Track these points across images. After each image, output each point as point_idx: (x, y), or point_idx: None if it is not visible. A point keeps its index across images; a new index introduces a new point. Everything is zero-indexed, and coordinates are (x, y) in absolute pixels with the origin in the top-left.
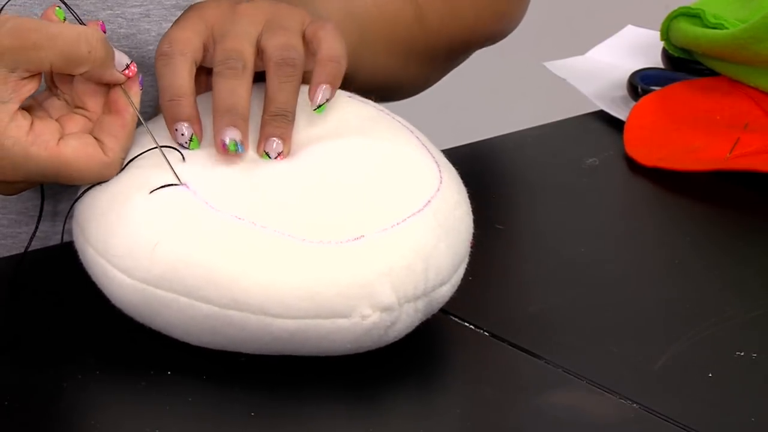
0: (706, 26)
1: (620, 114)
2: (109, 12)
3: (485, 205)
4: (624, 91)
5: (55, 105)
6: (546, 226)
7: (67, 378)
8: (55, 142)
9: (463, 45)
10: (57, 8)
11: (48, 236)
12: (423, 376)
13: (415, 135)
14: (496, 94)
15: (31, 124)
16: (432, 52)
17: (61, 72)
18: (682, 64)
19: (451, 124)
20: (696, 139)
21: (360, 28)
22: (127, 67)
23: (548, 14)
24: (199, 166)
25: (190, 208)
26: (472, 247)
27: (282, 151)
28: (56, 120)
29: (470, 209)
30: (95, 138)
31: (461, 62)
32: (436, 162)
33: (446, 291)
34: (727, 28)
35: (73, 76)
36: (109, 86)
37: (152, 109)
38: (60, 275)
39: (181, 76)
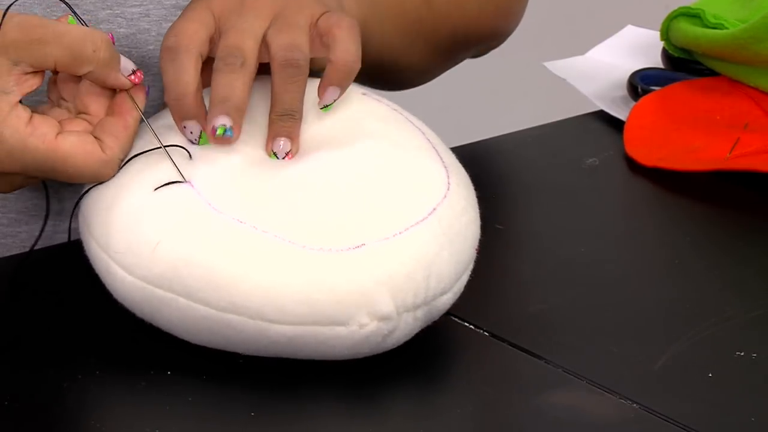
0: (706, 26)
1: (620, 114)
2: (108, 12)
3: (485, 205)
4: (624, 91)
5: (56, 113)
6: (546, 226)
7: (67, 378)
8: (54, 135)
9: (465, 37)
10: (69, 17)
11: (48, 235)
12: (423, 376)
13: (426, 137)
14: (496, 94)
15: (31, 117)
16: (436, 39)
17: (65, 71)
18: (682, 64)
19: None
20: (696, 139)
21: (373, 0)
22: (134, 72)
23: (548, 14)
24: (205, 166)
25: (192, 207)
26: (477, 253)
27: (290, 150)
28: (57, 122)
29: (478, 215)
30: (95, 137)
31: (460, 60)
32: (445, 166)
33: (447, 299)
34: (727, 28)
35: (78, 82)
36: (114, 92)
37: (154, 109)
38: (60, 275)
39: (187, 73)
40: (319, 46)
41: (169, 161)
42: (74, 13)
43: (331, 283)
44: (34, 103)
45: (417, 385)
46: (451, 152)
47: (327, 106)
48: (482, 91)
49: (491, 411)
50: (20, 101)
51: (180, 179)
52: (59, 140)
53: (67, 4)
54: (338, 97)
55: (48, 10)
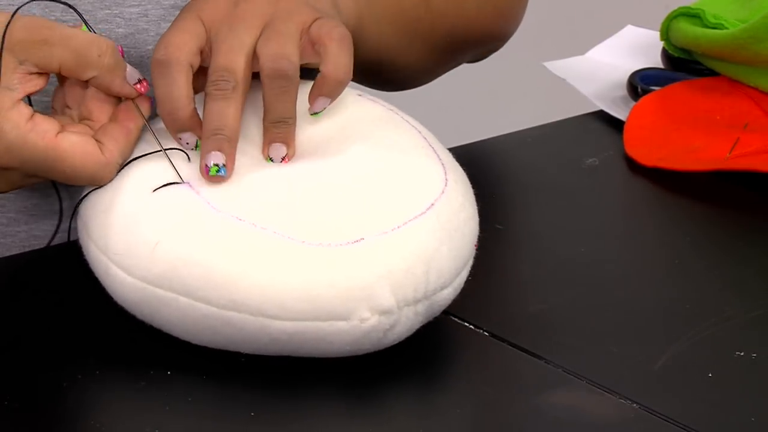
0: (706, 26)
1: (620, 114)
2: (107, 12)
3: (485, 205)
4: (624, 91)
5: (60, 119)
6: (546, 226)
7: (67, 378)
8: (54, 134)
9: (463, 38)
10: (83, 26)
11: (48, 235)
12: (423, 376)
13: (422, 135)
14: (496, 94)
15: (32, 115)
16: (434, 39)
17: (69, 74)
18: (682, 64)
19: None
20: (696, 139)
21: None
22: (139, 82)
23: (548, 14)
24: None
25: (191, 207)
26: (476, 250)
27: (286, 155)
28: (59, 123)
29: (476, 212)
30: (96, 140)
31: (458, 63)
32: (443, 163)
33: (448, 294)
34: (727, 28)
35: (84, 88)
36: (118, 100)
37: (153, 110)
38: (60, 275)
39: (178, 87)
40: (311, 53)
41: (167, 164)
42: (85, 21)
43: (331, 278)
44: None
45: (417, 385)
46: (448, 151)
47: (317, 112)
48: (482, 91)
49: (491, 411)
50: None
51: (178, 180)
52: (59, 138)
53: (80, 14)
54: (328, 105)
55: (46, 10)
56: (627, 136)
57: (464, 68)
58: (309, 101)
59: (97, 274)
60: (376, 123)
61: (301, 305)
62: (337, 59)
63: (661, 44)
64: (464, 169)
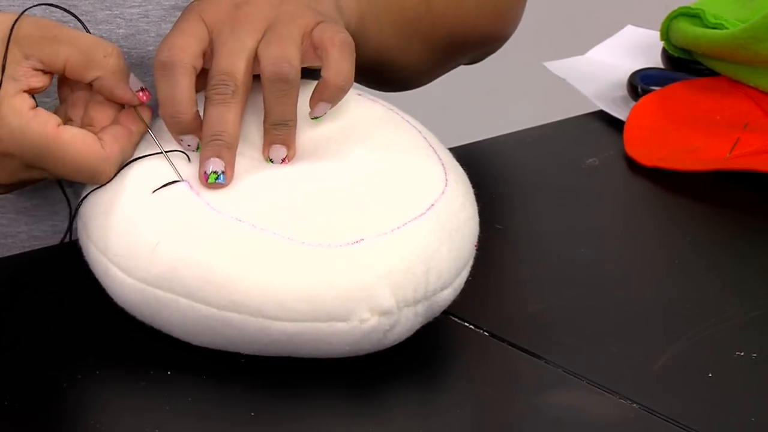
0: (706, 26)
1: (620, 114)
2: (107, 12)
3: (485, 205)
4: (624, 91)
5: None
6: (546, 226)
7: (67, 378)
8: (56, 125)
9: (462, 38)
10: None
11: (48, 236)
12: (423, 376)
13: (422, 135)
14: (496, 94)
15: (36, 106)
16: (434, 39)
17: (74, 73)
18: (682, 64)
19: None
20: (696, 139)
21: None
22: (142, 90)
23: (548, 14)
24: None
25: (191, 208)
26: (476, 250)
27: (287, 156)
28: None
29: (476, 212)
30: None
31: (457, 65)
32: (443, 164)
33: (448, 295)
34: (727, 28)
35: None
36: (120, 108)
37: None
38: (60, 275)
39: (181, 90)
40: (313, 56)
41: (167, 166)
42: (85, 27)
43: (331, 278)
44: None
45: (417, 385)
46: (448, 151)
47: (318, 117)
48: (482, 91)
49: (491, 411)
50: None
51: (177, 180)
52: (61, 129)
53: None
54: (329, 110)
55: (47, 11)
56: (627, 136)
57: (464, 68)
58: (310, 106)
59: (97, 275)
60: (376, 123)
61: (301, 306)
62: (339, 65)
63: (661, 44)
64: (464, 169)
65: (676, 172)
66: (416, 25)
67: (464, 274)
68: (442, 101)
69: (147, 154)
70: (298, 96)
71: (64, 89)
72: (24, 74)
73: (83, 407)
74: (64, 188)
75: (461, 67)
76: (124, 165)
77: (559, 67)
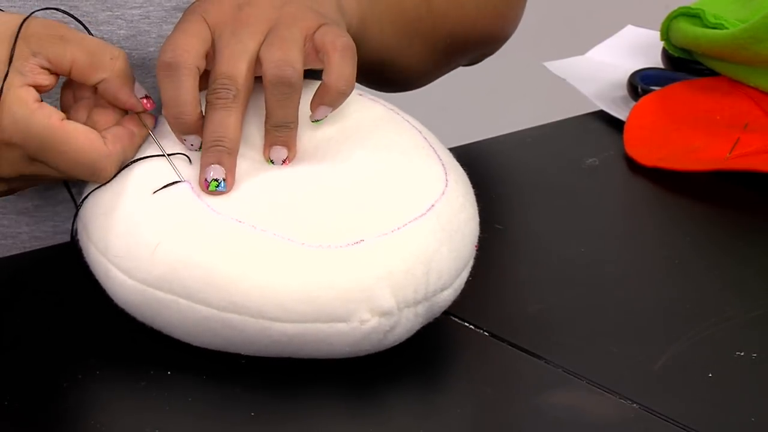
0: (706, 26)
1: (620, 114)
2: (108, 13)
3: (485, 206)
4: (624, 91)
5: None
6: (546, 226)
7: (67, 378)
8: (60, 118)
9: (463, 39)
10: None
11: (50, 237)
12: (423, 376)
13: (423, 135)
14: (496, 94)
15: (40, 99)
16: (434, 39)
17: (80, 74)
18: (682, 64)
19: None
20: (696, 139)
21: None
22: (146, 97)
23: (548, 14)
24: None
25: (191, 210)
26: (477, 252)
27: (287, 157)
28: None
29: (476, 212)
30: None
31: (456, 66)
32: (443, 164)
33: (448, 295)
34: (727, 28)
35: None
36: (124, 114)
37: (155, 111)
38: (60, 275)
39: (186, 91)
40: (315, 59)
41: (168, 168)
42: (88, 30)
43: (332, 279)
44: None
45: (417, 385)
46: (448, 151)
47: (318, 120)
48: (482, 91)
49: (491, 411)
50: None
51: (178, 180)
52: (65, 122)
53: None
54: (329, 114)
55: (47, 12)
56: (627, 136)
57: (464, 69)
58: (310, 109)
59: (97, 277)
60: (376, 123)
61: (301, 307)
62: (340, 70)
63: (661, 44)
64: (464, 169)
65: (676, 172)
66: (417, 26)
67: (464, 275)
68: (442, 101)
69: (148, 155)
70: (299, 99)
71: (67, 94)
72: (30, 70)
73: (83, 407)
74: (71, 189)
75: (461, 68)
76: (124, 166)
77: (559, 67)
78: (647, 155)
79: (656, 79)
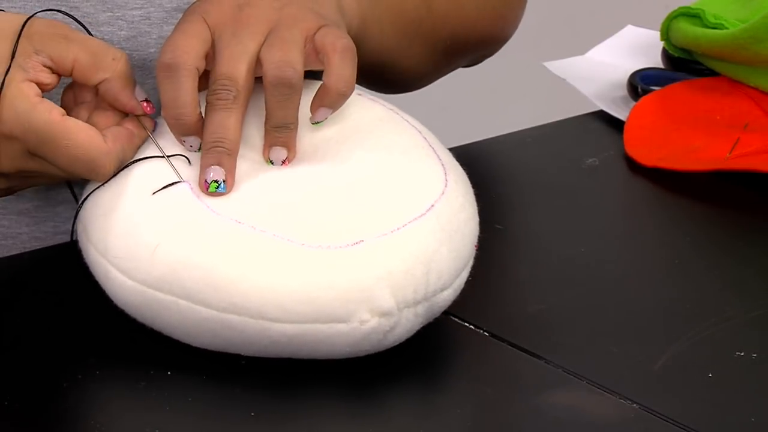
0: (706, 26)
1: (620, 114)
2: (109, 14)
3: (485, 205)
4: (624, 91)
5: None
6: (546, 226)
7: (67, 378)
8: (60, 113)
9: (463, 40)
10: None
11: (50, 237)
12: (423, 376)
13: (422, 135)
14: (496, 94)
15: (42, 94)
16: (434, 41)
17: (82, 73)
18: (682, 64)
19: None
20: (696, 139)
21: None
22: (146, 101)
23: (548, 14)
24: None
25: (190, 210)
26: (476, 250)
27: (287, 158)
28: None
29: (476, 212)
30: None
31: (456, 67)
32: (443, 164)
33: (448, 295)
34: (727, 28)
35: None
36: (124, 117)
37: (155, 111)
38: (60, 275)
39: (185, 93)
40: (315, 60)
41: (167, 169)
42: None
43: (331, 280)
44: None
45: (417, 385)
46: (448, 151)
47: (318, 122)
48: (482, 91)
49: (491, 411)
50: None
51: (178, 180)
52: (65, 117)
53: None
54: (329, 116)
55: (48, 14)
56: (627, 136)
57: (464, 68)
58: (310, 111)
59: (97, 278)
60: (376, 123)
61: (301, 308)
62: (340, 71)
63: (661, 44)
64: (464, 169)
65: (676, 172)
66: (417, 27)
67: (464, 275)
68: (442, 101)
69: (147, 156)
70: (300, 100)
71: (68, 97)
72: (33, 67)
73: (83, 407)
74: (73, 188)
75: (461, 68)
76: (124, 167)
77: (559, 67)
78: (647, 155)
79: (656, 79)
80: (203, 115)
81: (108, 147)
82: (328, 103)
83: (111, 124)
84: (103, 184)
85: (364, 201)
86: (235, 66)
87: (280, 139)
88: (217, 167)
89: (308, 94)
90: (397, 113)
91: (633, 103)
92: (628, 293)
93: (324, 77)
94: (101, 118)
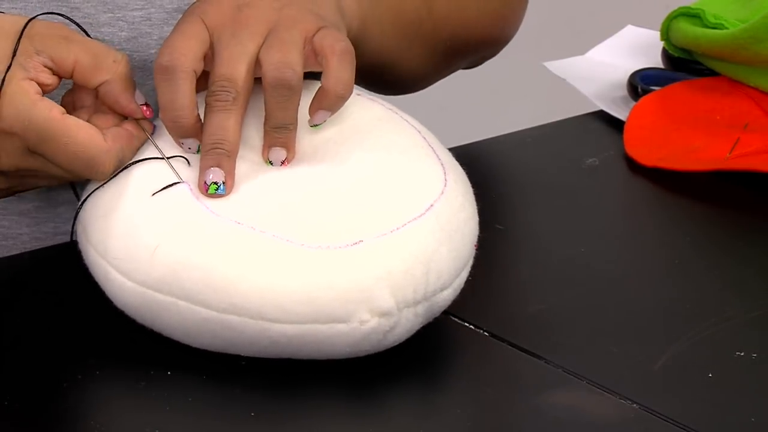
0: (706, 26)
1: (620, 114)
2: (110, 15)
3: (485, 206)
4: (624, 91)
5: None
6: (546, 226)
7: (67, 378)
8: (61, 112)
9: (463, 42)
10: None
11: (50, 238)
12: (423, 376)
13: (422, 135)
14: (496, 94)
15: (42, 93)
16: (435, 42)
17: (82, 75)
18: (682, 64)
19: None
20: (696, 139)
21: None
22: (146, 105)
23: (548, 14)
24: None
25: (190, 211)
26: (476, 250)
27: (286, 158)
28: None
29: (476, 211)
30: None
31: (456, 68)
32: (442, 164)
33: (448, 295)
34: (727, 28)
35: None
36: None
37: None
38: (60, 275)
39: (183, 95)
40: (314, 62)
41: (166, 170)
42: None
43: (331, 280)
44: None
45: (417, 385)
46: (447, 151)
47: (317, 124)
48: (482, 91)
49: (491, 411)
50: None
51: (177, 181)
52: (66, 116)
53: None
54: (328, 118)
55: (49, 16)
56: (627, 136)
57: (463, 70)
58: (309, 113)
59: (96, 279)
60: (375, 123)
61: (300, 308)
62: (339, 74)
63: (661, 44)
64: (464, 169)
65: (676, 172)
66: (418, 28)
67: (464, 275)
68: (442, 101)
69: (146, 157)
70: (299, 101)
71: (68, 101)
72: (33, 67)
73: (83, 407)
74: (75, 188)
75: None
76: (123, 168)
77: (559, 67)
78: (647, 155)
79: (656, 79)
80: (202, 116)
81: (108, 146)
82: (327, 105)
83: (110, 126)
84: (102, 185)
85: (363, 201)
86: (235, 67)
87: (280, 139)
88: (217, 169)
89: (307, 95)
90: (397, 113)
91: (633, 103)
92: (628, 293)
93: (322, 80)
94: (101, 120)
